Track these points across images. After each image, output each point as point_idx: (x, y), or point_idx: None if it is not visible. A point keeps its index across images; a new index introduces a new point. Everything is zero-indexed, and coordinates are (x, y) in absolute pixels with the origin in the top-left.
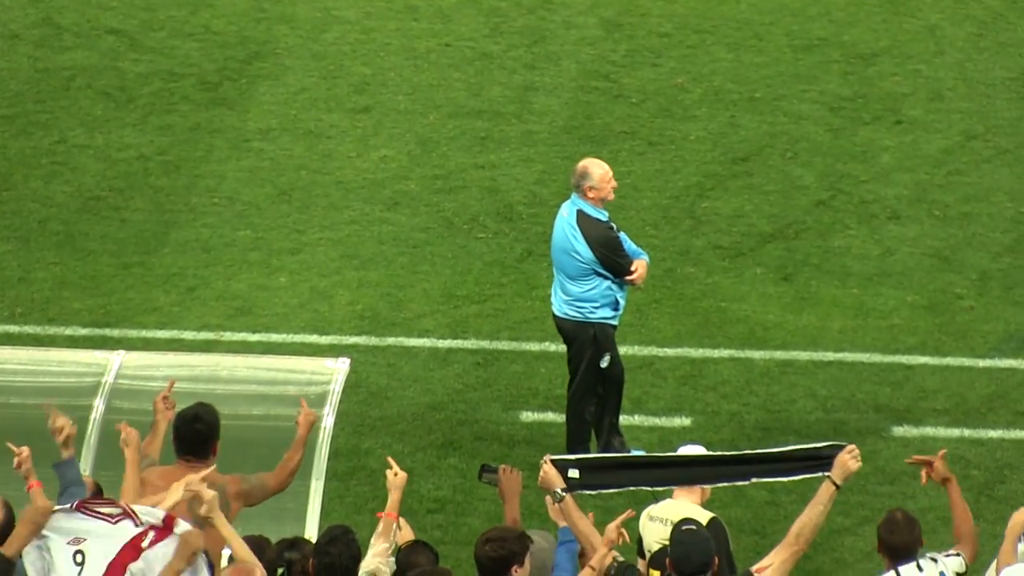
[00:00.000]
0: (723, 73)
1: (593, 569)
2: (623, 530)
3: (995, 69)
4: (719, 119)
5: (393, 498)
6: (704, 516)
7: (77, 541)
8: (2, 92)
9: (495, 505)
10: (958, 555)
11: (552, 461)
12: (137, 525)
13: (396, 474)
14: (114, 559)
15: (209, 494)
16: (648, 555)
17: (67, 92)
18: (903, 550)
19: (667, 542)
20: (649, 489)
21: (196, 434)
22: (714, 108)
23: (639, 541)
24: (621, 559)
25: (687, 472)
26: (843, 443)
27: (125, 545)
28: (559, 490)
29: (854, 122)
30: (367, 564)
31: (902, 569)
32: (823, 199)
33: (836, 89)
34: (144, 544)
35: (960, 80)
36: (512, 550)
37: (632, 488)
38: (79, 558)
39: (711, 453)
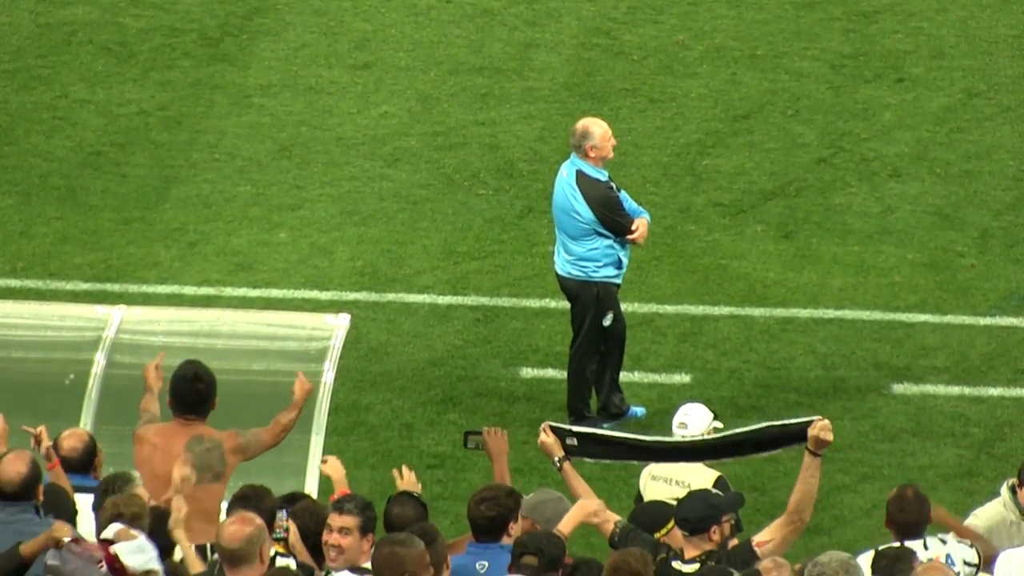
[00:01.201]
0: (724, 30)
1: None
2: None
3: (997, 26)
4: (720, 76)
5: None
6: (710, 475)
7: None
8: (3, 47)
9: None
10: (972, 546)
11: (552, 428)
12: None
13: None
14: None
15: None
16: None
17: (68, 47)
18: (911, 528)
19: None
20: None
21: (196, 394)
22: (715, 65)
23: (638, 499)
24: (624, 522)
25: (676, 456)
26: (811, 419)
27: None
28: (558, 457)
29: (855, 80)
30: None
31: (907, 544)
32: (824, 157)
33: (837, 47)
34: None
35: (962, 37)
36: (508, 507)
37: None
38: None
39: (696, 439)
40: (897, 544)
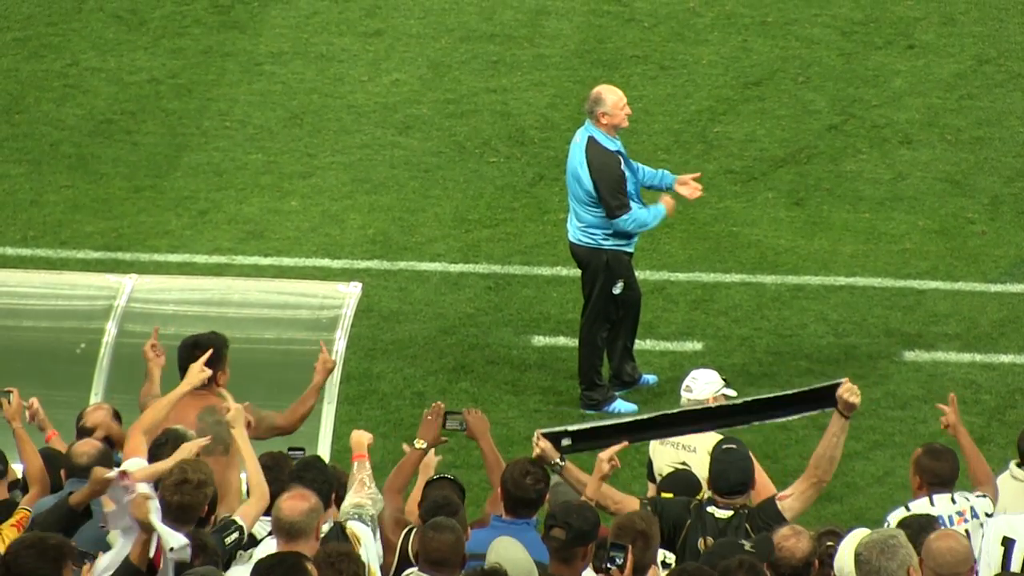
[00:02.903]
0: None
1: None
2: (615, 460)
3: None
4: (731, 43)
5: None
6: (716, 437)
7: (171, 550)
8: (14, 15)
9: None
10: (984, 496)
11: (544, 435)
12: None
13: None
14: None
15: (235, 407)
16: (659, 478)
17: (79, 15)
18: (946, 477)
19: (678, 466)
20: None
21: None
22: (726, 32)
23: (648, 465)
24: (648, 498)
25: (680, 429)
26: (838, 381)
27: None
28: (557, 460)
29: (866, 46)
30: (350, 501)
31: (936, 497)
32: (835, 123)
33: (848, 13)
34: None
35: (972, 4)
36: (548, 482)
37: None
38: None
39: (701, 407)
40: (923, 510)
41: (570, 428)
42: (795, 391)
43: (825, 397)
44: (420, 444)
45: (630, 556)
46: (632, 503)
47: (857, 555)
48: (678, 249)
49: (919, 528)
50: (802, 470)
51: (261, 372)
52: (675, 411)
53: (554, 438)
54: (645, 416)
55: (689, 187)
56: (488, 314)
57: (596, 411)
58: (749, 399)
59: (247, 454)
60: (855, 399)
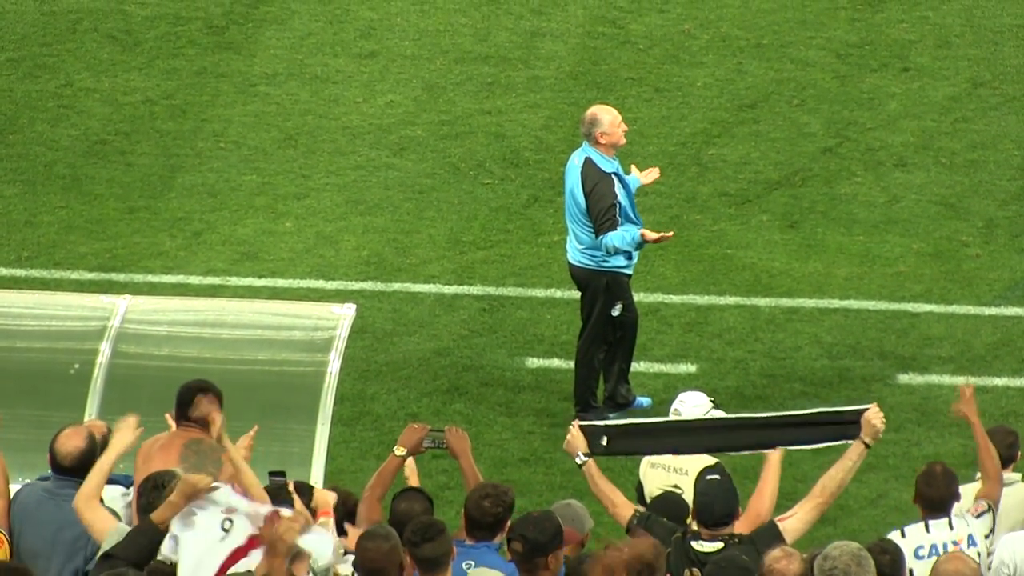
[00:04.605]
0: (730, 19)
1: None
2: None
3: (1002, 16)
4: (726, 66)
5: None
6: (708, 461)
7: (229, 511)
8: (8, 35)
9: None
10: (987, 511)
11: (582, 427)
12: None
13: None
14: (248, 539)
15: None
16: (649, 501)
17: (73, 35)
18: (938, 503)
19: (668, 488)
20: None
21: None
22: (721, 55)
23: (639, 488)
24: (642, 510)
25: (713, 438)
26: (865, 405)
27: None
28: (581, 454)
29: (861, 69)
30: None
31: (932, 523)
32: (829, 146)
33: (843, 36)
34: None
35: (967, 27)
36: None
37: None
38: (227, 525)
39: (735, 416)
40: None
41: (610, 424)
42: (824, 410)
43: (850, 422)
44: (400, 451)
45: None
46: (627, 511)
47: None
48: (672, 271)
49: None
50: (797, 494)
51: (254, 393)
52: (709, 419)
53: (592, 433)
54: (680, 419)
55: (649, 175)
56: (482, 336)
57: None
58: (779, 414)
59: (241, 468)
60: (882, 425)
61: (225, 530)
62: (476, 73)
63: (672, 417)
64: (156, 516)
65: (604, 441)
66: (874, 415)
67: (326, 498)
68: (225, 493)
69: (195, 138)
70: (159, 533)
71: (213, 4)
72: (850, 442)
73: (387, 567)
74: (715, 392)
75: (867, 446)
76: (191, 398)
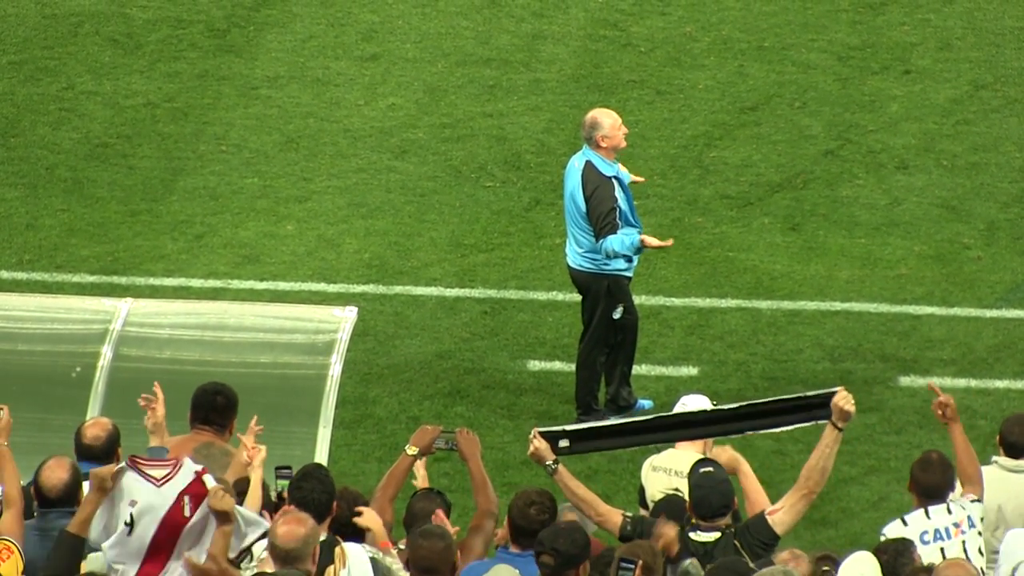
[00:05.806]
0: (732, 22)
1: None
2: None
3: (1004, 18)
4: (727, 68)
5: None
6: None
7: (132, 503)
8: (10, 38)
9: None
10: (978, 500)
11: (541, 433)
12: (178, 488)
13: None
14: (156, 530)
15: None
16: (651, 505)
17: (75, 38)
18: (935, 490)
19: (670, 492)
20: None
21: (213, 405)
22: (722, 57)
23: (641, 491)
24: (631, 514)
25: (678, 433)
26: (833, 390)
27: (167, 515)
28: (550, 463)
29: (863, 71)
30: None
31: (932, 509)
32: (831, 149)
33: (845, 38)
34: (185, 515)
35: (969, 29)
36: (554, 510)
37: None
38: (129, 519)
39: (701, 409)
40: (919, 523)
41: (568, 428)
42: (790, 396)
43: (819, 406)
44: (412, 451)
45: (639, 571)
46: (615, 517)
47: None
48: (674, 274)
49: (896, 553)
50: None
51: (256, 396)
52: (671, 414)
53: (551, 438)
54: (641, 418)
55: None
56: (484, 339)
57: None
58: (744, 403)
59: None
60: (850, 408)
61: (127, 524)
62: (477, 76)
63: (629, 419)
64: (72, 527)
65: (567, 443)
66: (842, 398)
67: (378, 525)
68: (129, 477)
69: (197, 141)
70: (79, 540)
71: (215, 7)
72: (821, 423)
73: (440, 566)
74: (717, 395)
75: (839, 429)
76: (207, 401)
